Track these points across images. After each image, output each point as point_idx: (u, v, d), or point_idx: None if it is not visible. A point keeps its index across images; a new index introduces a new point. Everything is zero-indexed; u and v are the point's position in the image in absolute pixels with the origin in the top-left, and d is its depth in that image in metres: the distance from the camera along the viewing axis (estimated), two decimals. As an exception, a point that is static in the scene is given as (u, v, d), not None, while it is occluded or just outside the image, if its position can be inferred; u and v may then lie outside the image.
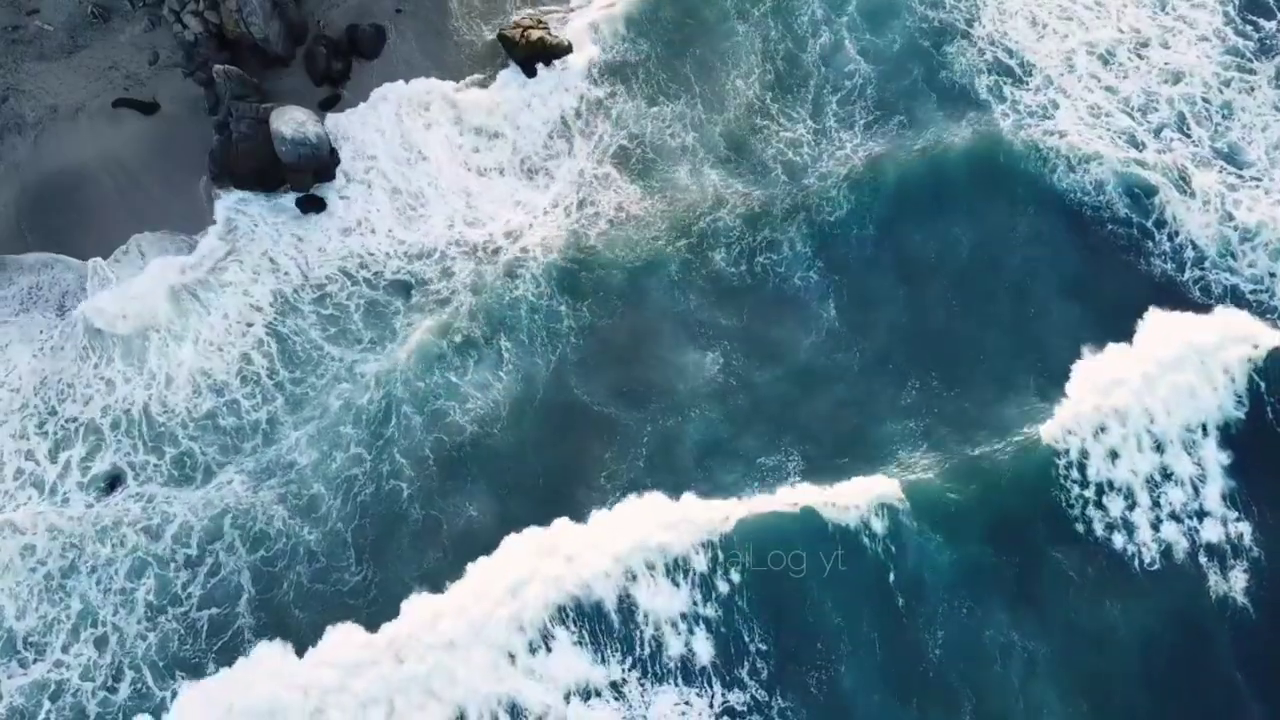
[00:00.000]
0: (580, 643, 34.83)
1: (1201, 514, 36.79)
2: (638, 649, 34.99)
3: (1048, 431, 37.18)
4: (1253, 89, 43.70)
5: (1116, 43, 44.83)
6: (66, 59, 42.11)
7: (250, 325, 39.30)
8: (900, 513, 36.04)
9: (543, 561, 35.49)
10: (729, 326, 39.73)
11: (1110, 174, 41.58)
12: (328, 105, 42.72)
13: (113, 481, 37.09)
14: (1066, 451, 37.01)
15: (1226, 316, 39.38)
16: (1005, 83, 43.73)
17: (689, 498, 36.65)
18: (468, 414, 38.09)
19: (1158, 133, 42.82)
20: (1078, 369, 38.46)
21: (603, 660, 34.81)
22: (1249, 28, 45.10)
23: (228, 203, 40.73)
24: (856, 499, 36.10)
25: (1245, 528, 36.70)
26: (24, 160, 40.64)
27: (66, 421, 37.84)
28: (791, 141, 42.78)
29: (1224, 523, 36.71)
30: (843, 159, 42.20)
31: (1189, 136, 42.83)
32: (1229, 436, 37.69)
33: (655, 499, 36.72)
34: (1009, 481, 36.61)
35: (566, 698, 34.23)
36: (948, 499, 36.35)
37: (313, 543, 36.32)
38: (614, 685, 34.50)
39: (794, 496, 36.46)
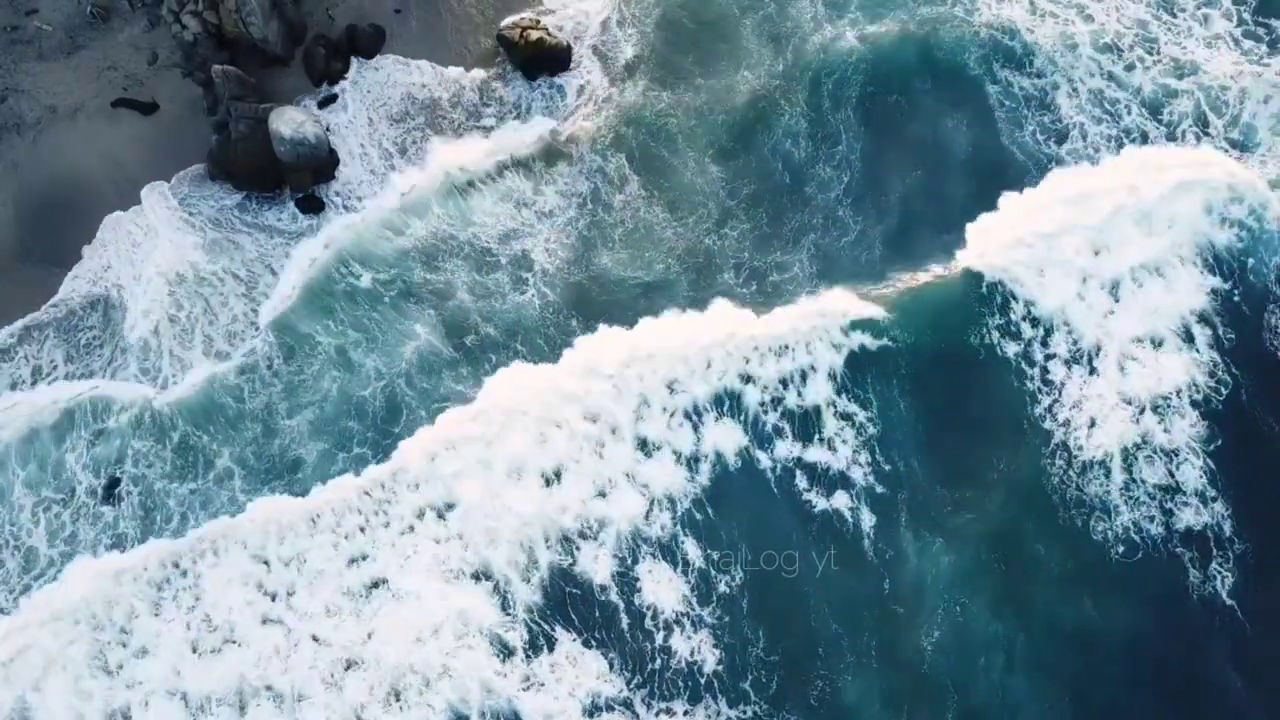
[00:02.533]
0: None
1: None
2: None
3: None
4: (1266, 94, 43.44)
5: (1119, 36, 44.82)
6: (65, 59, 42.14)
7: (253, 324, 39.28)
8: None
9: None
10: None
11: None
12: (326, 106, 42.61)
13: (112, 483, 36.99)
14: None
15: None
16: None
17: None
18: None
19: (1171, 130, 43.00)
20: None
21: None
22: (1260, 29, 44.75)
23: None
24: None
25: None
26: (23, 160, 40.65)
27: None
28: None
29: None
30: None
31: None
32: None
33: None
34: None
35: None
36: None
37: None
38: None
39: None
